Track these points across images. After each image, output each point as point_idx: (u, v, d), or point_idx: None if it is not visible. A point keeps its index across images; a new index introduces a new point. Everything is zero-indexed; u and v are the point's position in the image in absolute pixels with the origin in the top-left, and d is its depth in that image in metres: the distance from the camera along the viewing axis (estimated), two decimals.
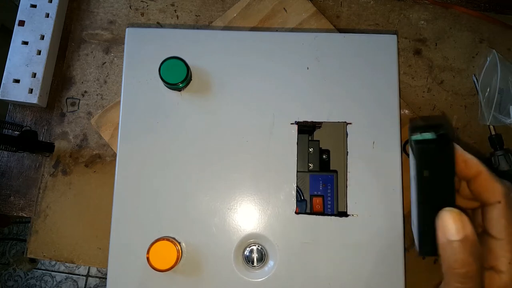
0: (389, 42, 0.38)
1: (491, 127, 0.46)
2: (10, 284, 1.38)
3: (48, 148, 0.47)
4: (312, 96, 0.38)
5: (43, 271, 1.38)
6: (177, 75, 0.36)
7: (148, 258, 0.34)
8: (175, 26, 0.50)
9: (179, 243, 0.36)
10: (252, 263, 0.36)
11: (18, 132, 0.46)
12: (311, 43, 0.39)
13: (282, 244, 0.36)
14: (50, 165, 0.47)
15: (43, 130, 0.49)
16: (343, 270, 0.35)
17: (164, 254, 0.34)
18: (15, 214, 0.48)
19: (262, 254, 0.36)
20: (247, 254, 0.36)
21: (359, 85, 0.38)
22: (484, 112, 0.46)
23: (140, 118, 0.38)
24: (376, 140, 0.37)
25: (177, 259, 0.34)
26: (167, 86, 0.37)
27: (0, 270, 1.38)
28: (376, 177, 0.36)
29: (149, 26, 0.50)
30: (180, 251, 0.35)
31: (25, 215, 0.48)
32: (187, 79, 0.37)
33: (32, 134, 0.45)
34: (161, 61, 0.36)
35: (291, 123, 0.38)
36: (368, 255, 0.35)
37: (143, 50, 0.39)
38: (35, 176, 0.48)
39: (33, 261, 1.32)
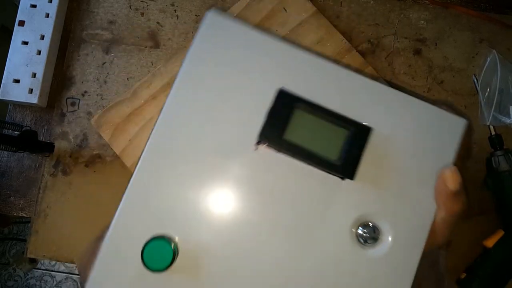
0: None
1: (491, 127, 0.46)
2: (10, 284, 1.38)
3: (48, 148, 0.47)
4: None
5: (43, 271, 1.38)
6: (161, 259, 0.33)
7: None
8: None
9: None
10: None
11: (18, 132, 0.46)
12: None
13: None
14: (50, 165, 0.47)
15: (43, 130, 0.49)
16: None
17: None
18: (15, 214, 0.48)
19: None
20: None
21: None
22: (484, 112, 0.46)
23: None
24: None
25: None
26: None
27: (0, 270, 1.38)
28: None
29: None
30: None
31: (25, 215, 0.48)
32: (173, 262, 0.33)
33: (32, 134, 0.45)
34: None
35: None
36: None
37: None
38: (35, 176, 0.48)
39: (33, 261, 1.32)
